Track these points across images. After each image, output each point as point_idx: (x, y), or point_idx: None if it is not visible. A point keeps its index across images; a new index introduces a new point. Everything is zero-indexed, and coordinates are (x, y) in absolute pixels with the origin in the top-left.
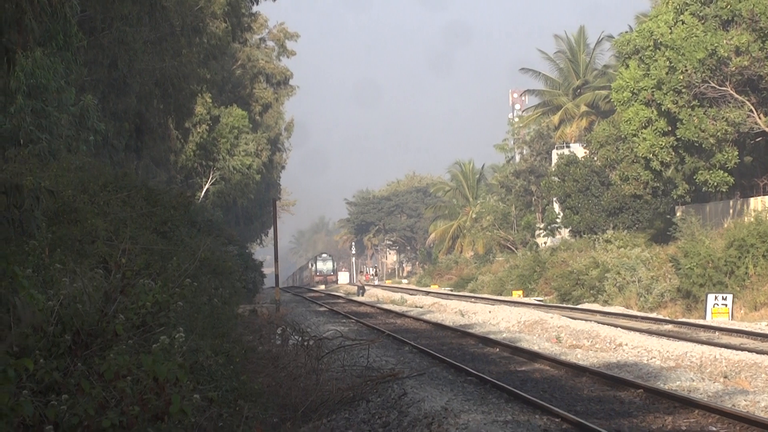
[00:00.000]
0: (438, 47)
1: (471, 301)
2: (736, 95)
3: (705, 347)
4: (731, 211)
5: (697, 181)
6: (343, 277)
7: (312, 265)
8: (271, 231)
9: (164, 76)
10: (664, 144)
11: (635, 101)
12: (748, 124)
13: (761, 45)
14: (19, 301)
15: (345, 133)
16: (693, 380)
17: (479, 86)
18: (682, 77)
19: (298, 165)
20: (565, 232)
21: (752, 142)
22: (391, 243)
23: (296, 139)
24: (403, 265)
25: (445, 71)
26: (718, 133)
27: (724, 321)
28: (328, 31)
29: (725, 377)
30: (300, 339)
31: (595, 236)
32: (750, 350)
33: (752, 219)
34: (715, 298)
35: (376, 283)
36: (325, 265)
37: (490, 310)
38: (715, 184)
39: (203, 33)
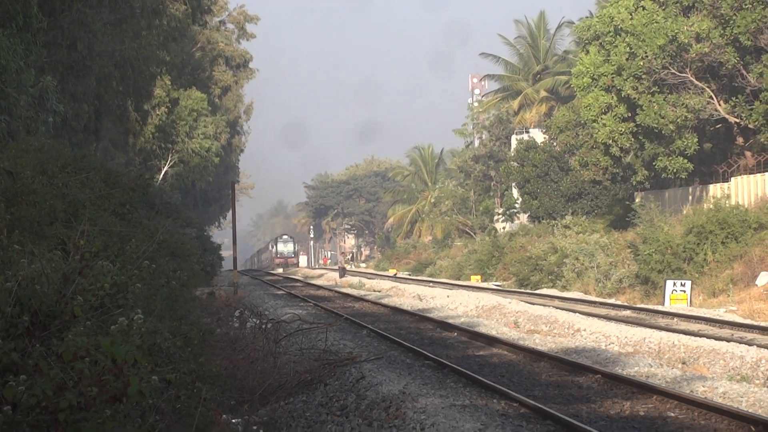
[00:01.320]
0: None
1: (429, 286)
2: (696, 82)
3: (663, 333)
4: (690, 197)
5: (656, 167)
6: (301, 261)
7: (272, 247)
8: (229, 214)
9: (124, 58)
10: (623, 130)
11: (595, 87)
12: (708, 110)
13: (721, 31)
14: None
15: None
16: (651, 366)
17: (439, 71)
18: (642, 63)
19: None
20: (523, 218)
21: (712, 128)
22: (349, 227)
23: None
24: (362, 249)
25: (406, 54)
26: (678, 120)
27: (682, 307)
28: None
29: (683, 363)
30: (258, 322)
31: (553, 222)
32: (708, 336)
33: (711, 206)
34: (674, 284)
35: (349, 268)
36: (285, 247)
37: (448, 295)
38: (675, 170)
39: (163, 15)
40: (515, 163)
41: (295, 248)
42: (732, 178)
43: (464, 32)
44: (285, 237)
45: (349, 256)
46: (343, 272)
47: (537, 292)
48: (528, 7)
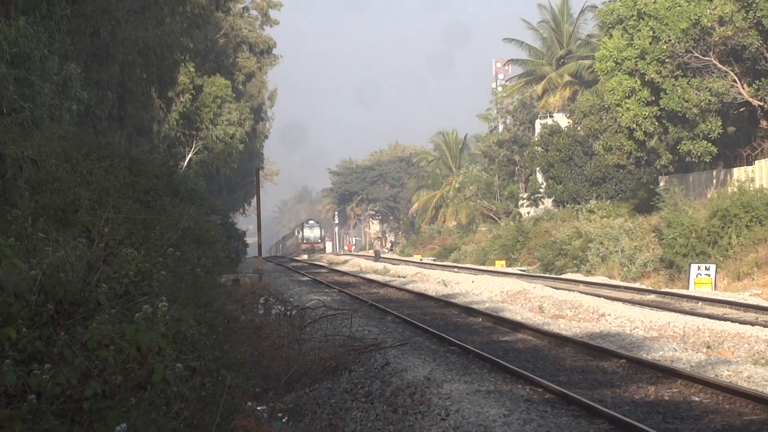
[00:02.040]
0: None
1: (454, 271)
2: (720, 65)
3: (688, 317)
4: (714, 181)
5: (680, 151)
6: (327, 247)
7: (298, 233)
8: (254, 200)
9: (147, 45)
10: (647, 114)
11: (619, 71)
12: (732, 94)
13: (744, 15)
14: (1, 270)
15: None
16: (676, 350)
17: (464, 55)
18: (665, 47)
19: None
20: (548, 202)
21: (736, 112)
22: (374, 213)
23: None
24: (386, 234)
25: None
26: (702, 103)
27: (707, 291)
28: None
29: (708, 347)
30: (283, 308)
31: (578, 206)
32: (733, 320)
33: (735, 189)
34: (698, 268)
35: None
36: (312, 232)
37: (472, 280)
38: (699, 154)
39: (186, 1)
40: (539, 148)
41: (321, 233)
42: (756, 162)
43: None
44: (311, 222)
45: (388, 246)
46: (378, 256)
47: (562, 276)
48: None
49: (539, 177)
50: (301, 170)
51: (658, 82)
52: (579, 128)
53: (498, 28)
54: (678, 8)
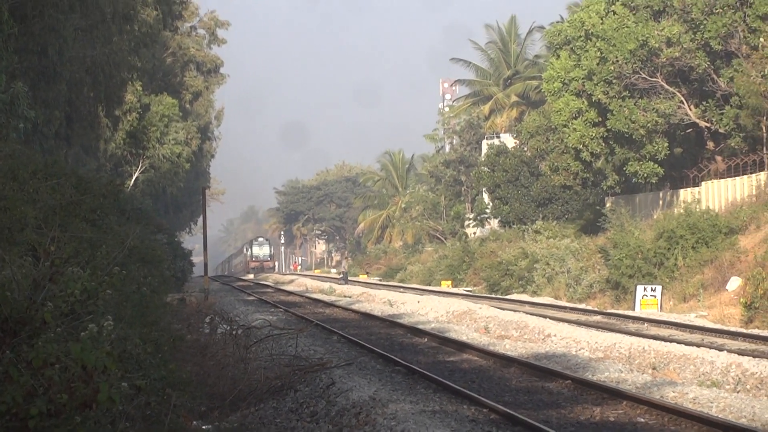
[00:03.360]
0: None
1: (400, 291)
2: (667, 86)
3: (634, 338)
4: (661, 202)
5: (627, 172)
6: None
7: (247, 250)
8: (200, 220)
9: (95, 63)
10: (594, 135)
11: (566, 92)
12: (679, 115)
13: (692, 36)
14: None
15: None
16: (621, 371)
17: (409, 75)
18: (612, 68)
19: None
20: (494, 223)
21: (682, 133)
22: (320, 232)
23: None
24: (332, 254)
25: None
26: (649, 124)
27: (653, 312)
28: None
29: (654, 369)
30: (228, 328)
31: (524, 227)
32: (679, 342)
33: (682, 210)
34: (644, 289)
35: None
36: (261, 250)
37: (418, 300)
38: (645, 175)
39: (134, 20)
40: (486, 168)
41: (271, 251)
42: (702, 183)
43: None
44: (261, 239)
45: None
46: (345, 278)
47: (507, 297)
48: (519, 9)
49: (485, 197)
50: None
51: (605, 103)
52: (526, 149)
53: (447, 48)
54: (625, 29)
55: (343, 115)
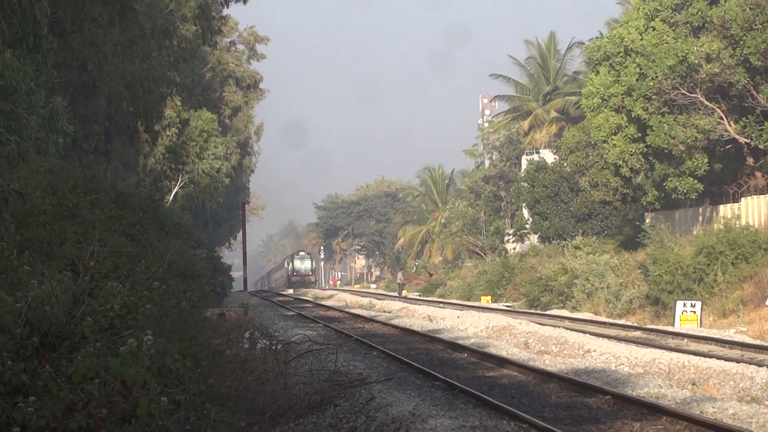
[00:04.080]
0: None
1: (440, 307)
2: (707, 102)
3: (673, 354)
4: (700, 218)
5: (666, 187)
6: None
7: (288, 264)
8: (239, 235)
9: (134, 78)
10: (633, 150)
11: (605, 107)
12: (718, 131)
13: (732, 52)
14: None
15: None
16: (661, 387)
17: (450, 91)
18: (652, 84)
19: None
20: (533, 238)
21: (722, 149)
22: (359, 248)
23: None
24: (372, 269)
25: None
26: (688, 140)
27: (692, 328)
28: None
29: (693, 384)
30: (268, 343)
31: (563, 242)
32: (718, 357)
33: (721, 226)
34: (684, 305)
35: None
36: (303, 264)
37: (458, 316)
38: (685, 191)
39: (173, 36)
40: (525, 184)
41: (312, 265)
42: (742, 199)
43: (465, 33)
44: (302, 253)
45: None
46: (400, 291)
47: (547, 312)
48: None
49: (525, 213)
50: (287, 204)
51: (645, 119)
52: (565, 164)
53: (485, 63)
54: (665, 45)
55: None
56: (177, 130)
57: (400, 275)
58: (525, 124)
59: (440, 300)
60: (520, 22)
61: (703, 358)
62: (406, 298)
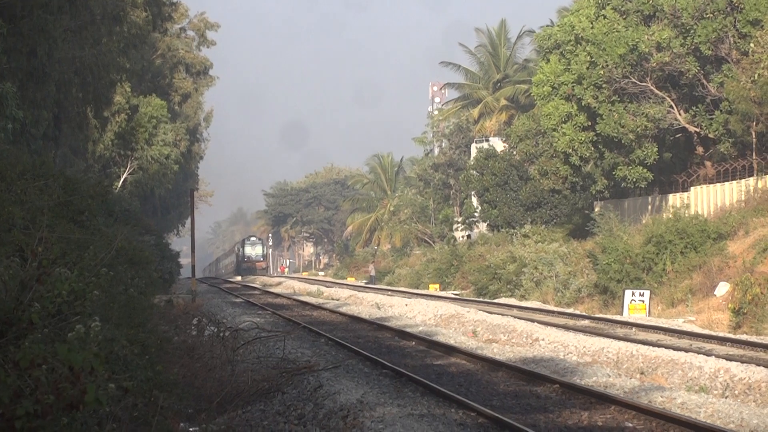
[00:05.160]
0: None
1: (388, 294)
2: (657, 91)
3: (622, 343)
4: (650, 207)
5: (616, 176)
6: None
7: (238, 250)
8: (188, 221)
9: (84, 64)
10: (583, 139)
11: (555, 96)
12: (668, 120)
13: (682, 41)
14: None
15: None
16: (609, 376)
17: (400, 78)
18: (602, 72)
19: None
20: (483, 226)
21: (672, 138)
22: (308, 235)
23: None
24: (320, 257)
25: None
26: (638, 129)
27: (641, 317)
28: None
29: (642, 373)
30: (216, 330)
31: (513, 231)
32: (667, 347)
33: (670, 215)
34: (633, 294)
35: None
36: (254, 250)
37: (406, 304)
38: (634, 179)
39: (123, 22)
40: (475, 172)
41: (264, 251)
42: (691, 188)
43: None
44: (253, 239)
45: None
46: (373, 281)
47: (495, 301)
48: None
49: (474, 201)
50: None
51: (595, 108)
52: (515, 153)
53: (436, 51)
54: (615, 34)
55: (340, 117)
56: (126, 117)
57: (371, 267)
58: (475, 112)
59: (389, 288)
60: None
61: (651, 348)
62: (377, 288)
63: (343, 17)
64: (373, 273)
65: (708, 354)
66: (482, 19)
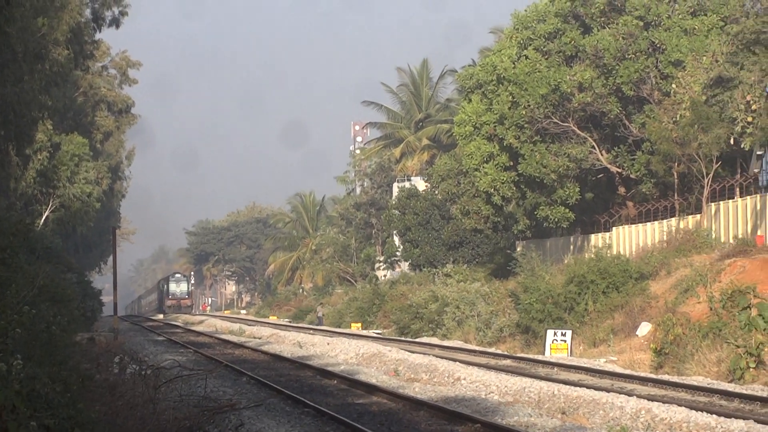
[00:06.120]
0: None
1: (310, 333)
2: (579, 131)
3: (543, 383)
4: (572, 247)
5: (538, 216)
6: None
7: (163, 287)
8: (110, 259)
9: (5, 102)
10: (505, 179)
11: (477, 135)
12: (590, 160)
13: (604, 81)
14: None
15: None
16: (531, 416)
17: (322, 117)
18: (524, 112)
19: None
20: (405, 266)
21: (594, 178)
22: (230, 273)
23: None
24: (242, 295)
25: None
26: (560, 169)
27: (563, 357)
28: None
29: (563, 413)
30: (138, 368)
31: (434, 270)
32: (588, 386)
33: (592, 255)
34: (555, 333)
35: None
36: (179, 287)
37: (328, 342)
38: (556, 219)
39: (45, 59)
40: (396, 211)
41: (189, 288)
42: (613, 228)
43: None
44: (178, 275)
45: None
46: (321, 322)
47: (417, 340)
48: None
49: (396, 240)
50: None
51: (517, 147)
52: (437, 192)
53: (359, 91)
54: (537, 74)
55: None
56: (48, 154)
57: (319, 309)
58: (397, 152)
59: (310, 327)
60: (392, 49)
61: (573, 387)
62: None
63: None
64: (320, 314)
65: (629, 394)
66: (404, 58)
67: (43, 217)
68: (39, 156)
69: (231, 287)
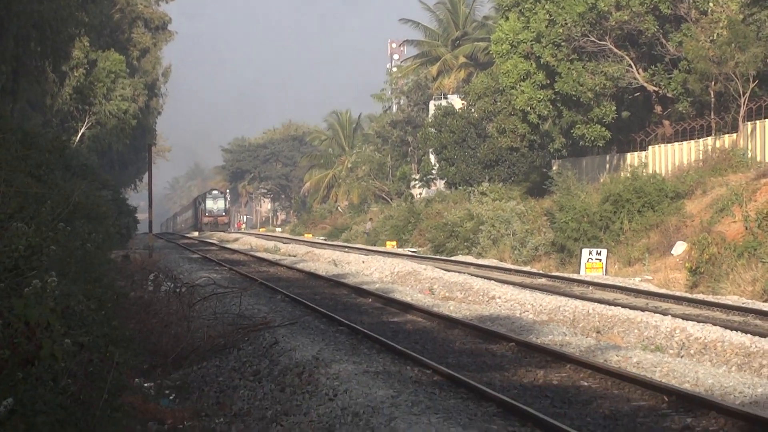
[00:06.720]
0: None
1: (345, 251)
2: (616, 50)
3: (578, 302)
4: (608, 166)
5: (574, 135)
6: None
7: (199, 204)
8: (146, 177)
9: (42, 18)
10: (542, 97)
11: (514, 54)
12: (627, 78)
13: (641, 0)
14: None
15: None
16: (565, 335)
17: (359, 35)
18: (561, 31)
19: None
20: (440, 184)
21: (630, 97)
22: (265, 191)
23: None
24: (278, 213)
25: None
26: (597, 88)
27: (597, 276)
28: None
29: (598, 332)
30: (172, 285)
31: (470, 188)
32: (623, 305)
33: (628, 174)
34: (590, 252)
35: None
36: (216, 204)
37: (363, 261)
38: (593, 138)
39: None
40: (433, 129)
41: (226, 205)
42: (649, 147)
43: None
44: (215, 192)
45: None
46: (369, 235)
47: (452, 258)
48: None
49: (432, 158)
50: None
51: (554, 66)
52: (473, 110)
53: (394, 8)
54: None
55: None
56: (85, 71)
57: (369, 223)
58: (433, 70)
59: (345, 245)
60: None
61: (608, 306)
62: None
63: None
64: (369, 227)
65: (664, 313)
66: None
67: (79, 134)
68: (75, 73)
69: (266, 205)
